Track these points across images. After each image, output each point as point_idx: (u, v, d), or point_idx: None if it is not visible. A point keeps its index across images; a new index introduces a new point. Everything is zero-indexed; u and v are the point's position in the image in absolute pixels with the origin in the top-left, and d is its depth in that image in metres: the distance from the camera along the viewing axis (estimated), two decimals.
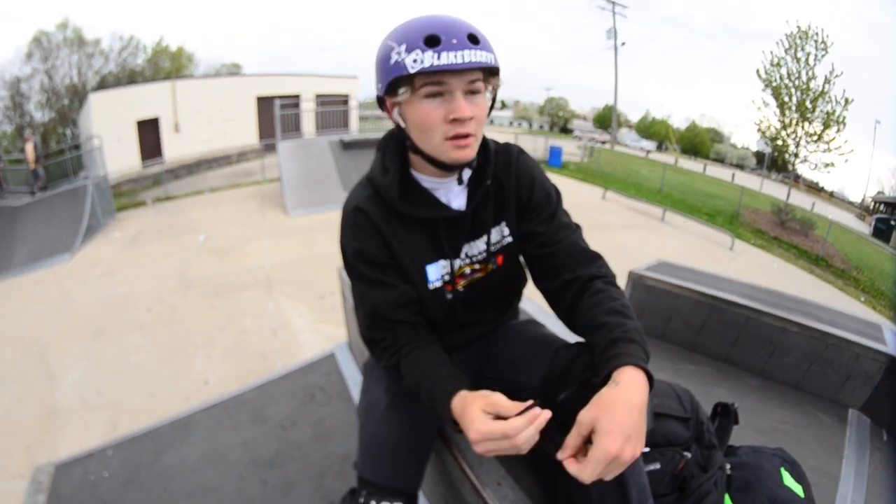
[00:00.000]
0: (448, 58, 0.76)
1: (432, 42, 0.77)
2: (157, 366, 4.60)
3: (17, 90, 20.51)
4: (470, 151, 0.85)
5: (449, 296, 1.00)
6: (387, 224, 0.93)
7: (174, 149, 17.36)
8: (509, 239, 1.01)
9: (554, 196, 0.99)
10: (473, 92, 0.82)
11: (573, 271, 0.92)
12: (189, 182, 14.89)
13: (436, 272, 0.98)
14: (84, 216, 9.19)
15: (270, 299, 5.99)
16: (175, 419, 2.37)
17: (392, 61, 0.80)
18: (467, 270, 1.01)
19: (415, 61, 0.77)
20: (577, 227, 0.99)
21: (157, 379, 4.35)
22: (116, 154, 13.76)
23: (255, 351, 4.77)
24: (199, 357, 4.72)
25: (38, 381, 4.47)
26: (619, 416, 0.66)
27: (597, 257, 0.95)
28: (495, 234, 1.00)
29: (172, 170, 15.75)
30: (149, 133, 17.16)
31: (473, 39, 0.79)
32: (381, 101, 0.88)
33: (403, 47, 0.78)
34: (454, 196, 0.96)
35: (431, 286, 0.97)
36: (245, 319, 5.48)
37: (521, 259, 1.08)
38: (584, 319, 0.86)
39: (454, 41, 0.77)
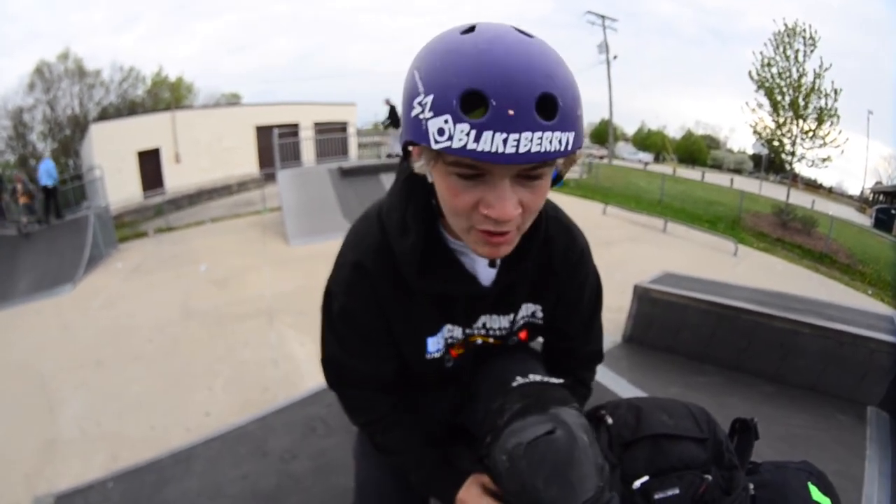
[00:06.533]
0: (495, 143, 0.47)
1: (473, 104, 0.47)
2: (158, 397, 4.53)
3: (19, 120, 20.80)
4: (505, 248, 0.62)
5: (449, 364, 0.86)
6: (392, 290, 0.75)
7: (175, 179, 17.51)
8: (539, 321, 0.88)
9: (594, 302, 0.91)
10: (532, 177, 0.56)
11: (571, 368, 0.96)
12: (190, 212, 14.96)
13: (437, 342, 0.82)
14: (86, 246, 9.21)
15: (272, 329, 5.92)
16: (175, 452, 2.34)
17: (413, 114, 0.52)
18: (479, 341, 0.87)
19: (440, 132, 0.49)
20: (599, 331, 0.98)
21: (157, 410, 4.28)
22: (118, 184, 13.83)
23: (257, 382, 4.69)
24: (201, 388, 4.64)
25: (39, 410, 4.42)
26: None
27: (596, 360, 1.00)
28: (524, 309, 0.85)
29: (173, 200, 15.86)
30: (149, 163, 17.35)
31: (547, 110, 0.48)
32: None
33: (430, 100, 0.50)
34: (482, 265, 0.77)
35: (429, 356, 0.83)
36: (246, 350, 5.42)
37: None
38: None
39: (510, 112, 0.46)
